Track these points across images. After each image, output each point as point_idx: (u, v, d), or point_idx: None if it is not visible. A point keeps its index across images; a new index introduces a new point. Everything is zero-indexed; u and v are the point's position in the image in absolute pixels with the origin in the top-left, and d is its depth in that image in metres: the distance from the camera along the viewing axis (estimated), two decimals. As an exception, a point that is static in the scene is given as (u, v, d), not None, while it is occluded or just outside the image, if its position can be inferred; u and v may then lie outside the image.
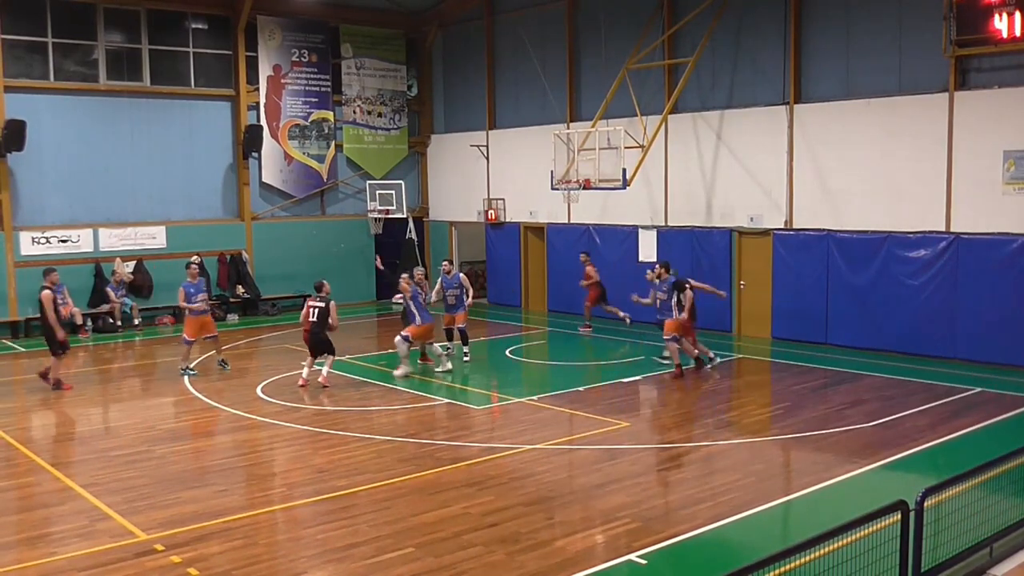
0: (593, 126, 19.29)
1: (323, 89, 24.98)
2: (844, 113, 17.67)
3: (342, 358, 17.61)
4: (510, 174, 24.51)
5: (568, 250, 22.69)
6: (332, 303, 15.24)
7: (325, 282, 15.63)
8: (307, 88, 24.70)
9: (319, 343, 15.24)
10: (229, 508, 9.40)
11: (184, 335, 16.19)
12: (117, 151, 22.06)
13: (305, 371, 15.16)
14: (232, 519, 9.06)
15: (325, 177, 25.23)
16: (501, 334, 18.75)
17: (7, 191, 20.52)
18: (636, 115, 19.36)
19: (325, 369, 15.17)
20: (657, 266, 16.42)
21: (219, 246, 23.37)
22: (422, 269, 17.72)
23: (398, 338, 15.77)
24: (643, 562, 7.90)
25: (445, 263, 17.46)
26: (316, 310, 15.20)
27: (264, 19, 23.78)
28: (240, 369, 16.82)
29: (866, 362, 16.39)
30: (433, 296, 16.85)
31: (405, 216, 25.43)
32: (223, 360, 16.65)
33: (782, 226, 18.74)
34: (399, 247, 25.96)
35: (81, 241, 21.50)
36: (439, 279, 17.10)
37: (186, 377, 15.71)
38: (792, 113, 18.43)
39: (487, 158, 25.17)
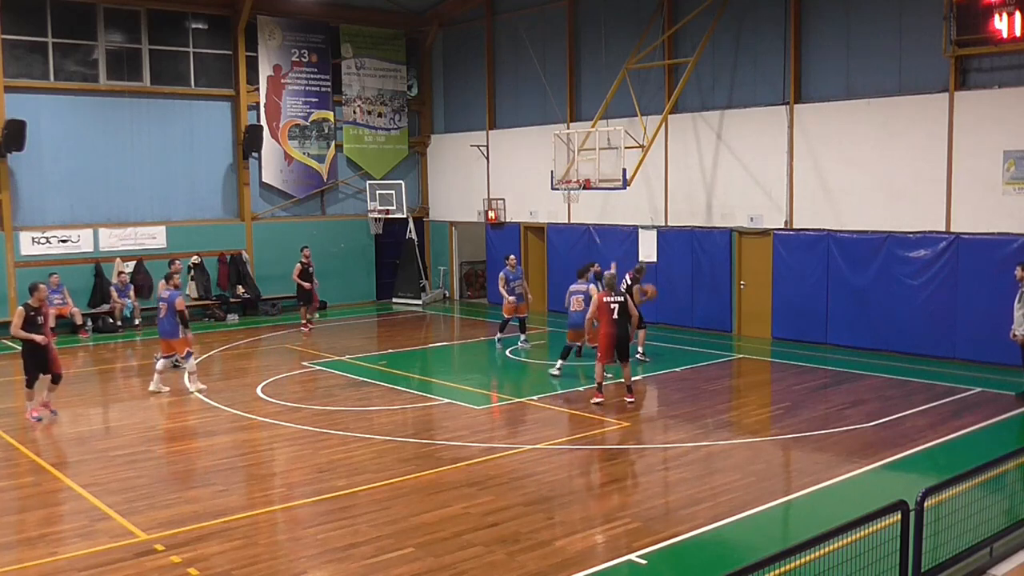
0: (593, 126, 19.28)
1: (323, 89, 24.98)
2: (844, 113, 17.67)
3: (342, 358, 17.63)
4: (510, 174, 24.52)
5: (568, 251, 22.71)
6: (628, 296, 13.84)
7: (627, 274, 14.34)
8: (307, 88, 24.70)
9: (624, 345, 13.53)
10: (229, 508, 9.40)
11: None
12: (117, 151, 22.05)
13: (598, 375, 13.71)
14: (232, 519, 9.06)
15: (325, 177, 25.23)
16: (503, 333, 18.77)
17: (7, 191, 20.52)
18: (636, 115, 19.37)
19: (628, 374, 13.71)
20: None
21: (219, 246, 23.36)
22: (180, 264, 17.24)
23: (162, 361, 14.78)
24: (643, 562, 7.90)
25: (512, 257, 18.59)
26: (616, 307, 13.39)
27: (264, 19, 23.78)
28: (240, 369, 16.82)
29: (866, 362, 16.39)
30: (501, 289, 18.14)
31: (405, 216, 25.42)
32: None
33: (782, 226, 18.74)
34: (399, 247, 25.99)
35: (81, 241, 21.49)
36: (502, 273, 18.33)
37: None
38: (792, 113, 18.42)
39: (487, 158, 25.17)
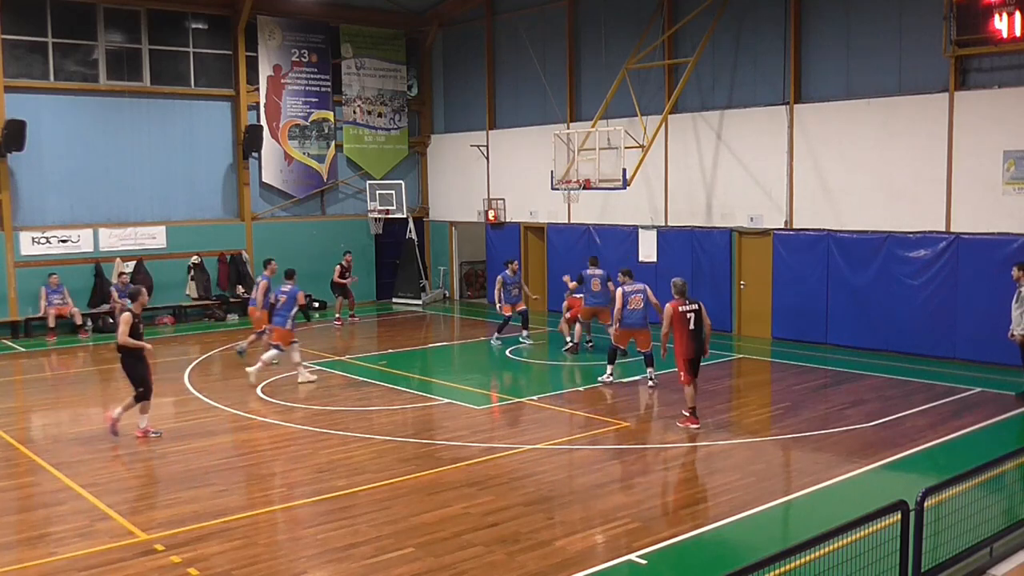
0: (593, 126, 19.28)
1: (323, 89, 24.98)
2: (844, 113, 17.67)
3: (342, 358, 17.62)
4: (510, 174, 24.52)
5: (568, 250, 22.70)
6: (702, 304, 12.45)
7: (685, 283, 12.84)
8: (307, 88, 24.70)
9: (697, 360, 12.19)
10: (229, 508, 9.40)
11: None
12: (117, 151, 22.05)
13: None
14: (232, 519, 9.06)
15: (325, 177, 25.23)
16: (501, 334, 18.78)
17: (7, 191, 20.51)
18: (636, 115, 19.37)
19: (689, 391, 12.21)
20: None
21: (219, 246, 23.36)
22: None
23: (272, 351, 15.22)
24: (643, 562, 7.90)
25: (514, 263, 19.09)
26: (692, 316, 12.08)
27: (264, 19, 23.77)
28: (241, 369, 16.80)
29: (866, 362, 16.39)
30: (496, 291, 18.91)
31: (405, 216, 25.42)
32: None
33: (782, 226, 18.74)
34: (399, 247, 25.99)
35: (81, 241, 21.48)
36: (499, 276, 18.96)
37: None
38: (792, 113, 18.42)
39: (487, 158, 25.17)
